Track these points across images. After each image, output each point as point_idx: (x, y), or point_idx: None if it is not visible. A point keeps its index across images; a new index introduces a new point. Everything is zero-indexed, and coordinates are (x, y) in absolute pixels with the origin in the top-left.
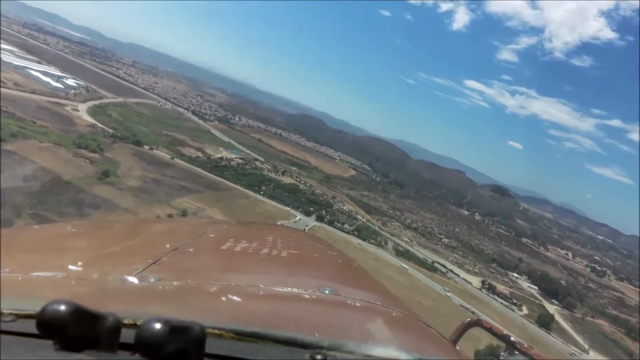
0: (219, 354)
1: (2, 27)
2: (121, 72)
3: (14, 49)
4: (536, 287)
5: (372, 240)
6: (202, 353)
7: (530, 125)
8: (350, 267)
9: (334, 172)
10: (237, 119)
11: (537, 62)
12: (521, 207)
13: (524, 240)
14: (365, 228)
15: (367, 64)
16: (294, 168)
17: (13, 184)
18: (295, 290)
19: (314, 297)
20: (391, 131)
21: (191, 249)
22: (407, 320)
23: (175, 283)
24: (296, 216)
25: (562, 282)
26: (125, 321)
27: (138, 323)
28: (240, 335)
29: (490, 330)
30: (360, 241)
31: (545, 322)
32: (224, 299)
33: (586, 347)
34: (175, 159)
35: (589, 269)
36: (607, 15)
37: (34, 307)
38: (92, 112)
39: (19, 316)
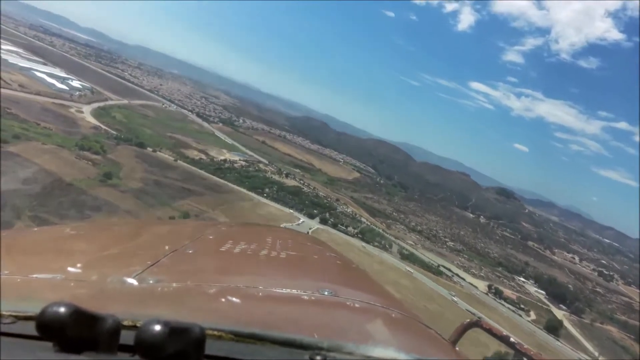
0: (218, 355)
1: (8, 29)
2: (126, 74)
3: (20, 50)
4: (543, 292)
5: (376, 243)
6: (202, 354)
7: (536, 127)
8: (349, 269)
9: (338, 174)
10: (241, 121)
11: (543, 63)
12: (527, 210)
13: (530, 243)
14: (369, 231)
15: (371, 66)
16: (297, 170)
17: (14, 186)
18: (294, 291)
19: (313, 298)
20: (395, 133)
21: (190, 250)
22: (407, 321)
23: (174, 284)
24: (299, 219)
25: (570, 286)
26: (125, 323)
27: (138, 325)
28: (240, 337)
29: (490, 331)
30: (364, 244)
31: (554, 328)
32: (223, 300)
33: (596, 354)
34: (179, 161)
35: (596, 273)
36: (614, 15)
37: (34, 309)
38: (96, 114)
39: (18, 318)
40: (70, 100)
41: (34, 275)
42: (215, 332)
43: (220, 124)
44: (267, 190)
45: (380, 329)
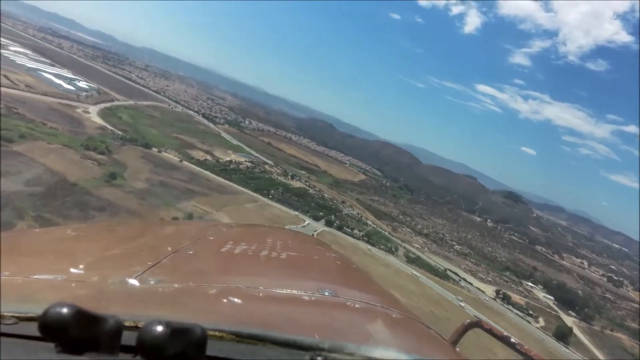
0: (219, 355)
1: (17, 31)
2: (133, 75)
3: (28, 51)
4: (552, 298)
5: (382, 246)
6: (203, 355)
7: (544, 130)
8: (349, 269)
9: (344, 176)
10: (247, 122)
11: (550, 66)
12: (534, 214)
13: (538, 248)
14: (375, 234)
15: (377, 68)
16: (303, 172)
17: (17, 186)
18: (295, 292)
19: (313, 298)
20: (401, 136)
21: (191, 251)
22: (407, 322)
23: (175, 285)
24: (305, 221)
25: (579, 292)
26: (127, 324)
27: (139, 325)
28: (241, 337)
29: (490, 331)
30: (370, 247)
31: (564, 335)
32: (224, 301)
33: None
34: (184, 162)
35: (605, 279)
36: (623, 17)
37: (35, 310)
38: (103, 114)
39: (20, 319)
40: (77, 100)
41: (35, 276)
42: (217, 333)
43: (226, 125)
44: (272, 191)
45: (381, 329)
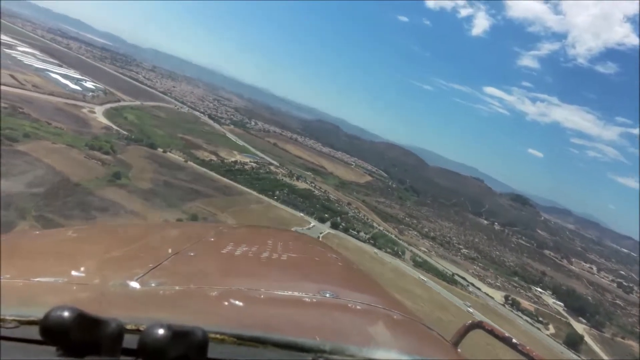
0: (221, 358)
1: (26, 32)
2: (140, 76)
3: (36, 52)
4: (562, 304)
5: (388, 250)
6: (205, 358)
7: (552, 133)
8: (350, 270)
9: (350, 178)
10: (253, 123)
11: (559, 68)
12: (542, 217)
13: (546, 252)
14: (381, 236)
15: (385, 70)
16: (309, 173)
17: (19, 185)
18: (296, 293)
19: (314, 300)
20: (407, 137)
21: (192, 253)
22: (409, 323)
23: (176, 288)
24: (310, 223)
25: (589, 298)
26: (128, 326)
27: (140, 328)
28: (242, 340)
29: (492, 332)
30: (376, 250)
31: (574, 343)
32: (225, 303)
33: None
34: (189, 162)
35: (615, 284)
36: (633, 20)
37: (36, 313)
38: (109, 114)
39: (21, 322)
40: (83, 100)
41: (36, 279)
42: (218, 336)
43: (232, 126)
44: (277, 193)
45: (382, 331)
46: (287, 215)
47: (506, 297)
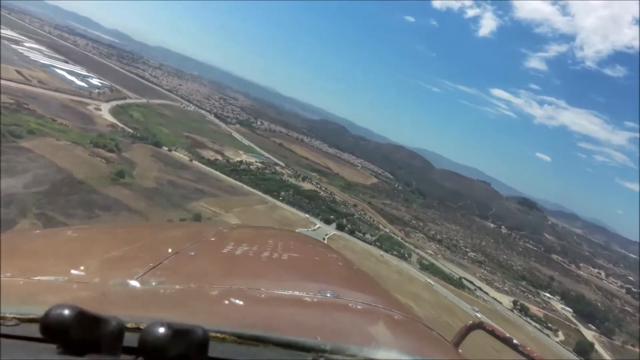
0: (221, 357)
1: (33, 28)
2: (147, 73)
3: (43, 48)
4: (571, 310)
5: (394, 252)
6: (205, 356)
7: (559, 136)
8: (351, 270)
9: (356, 179)
10: (259, 122)
11: (567, 71)
12: (549, 222)
13: (554, 256)
14: (387, 239)
15: (391, 71)
16: (314, 174)
17: (21, 182)
18: (296, 293)
19: (315, 300)
20: (414, 139)
21: (192, 252)
22: (409, 323)
23: (177, 287)
24: (315, 224)
25: (598, 304)
26: (128, 325)
27: (141, 327)
28: (243, 339)
29: (493, 332)
30: (382, 252)
31: (585, 351)
32: (226, 302)
33: None
34: (194, 161)
35: (624, 290)
36: None
37: (37, 312)
38: (114, 111)
39: (22, 320)
40: (89, 97)
41: (37, 278)
42: (218, 334)
43: (238, 125)
44: (282, 193)
45: (383, 330)
46: (292, 216)
47: (514, 302)
